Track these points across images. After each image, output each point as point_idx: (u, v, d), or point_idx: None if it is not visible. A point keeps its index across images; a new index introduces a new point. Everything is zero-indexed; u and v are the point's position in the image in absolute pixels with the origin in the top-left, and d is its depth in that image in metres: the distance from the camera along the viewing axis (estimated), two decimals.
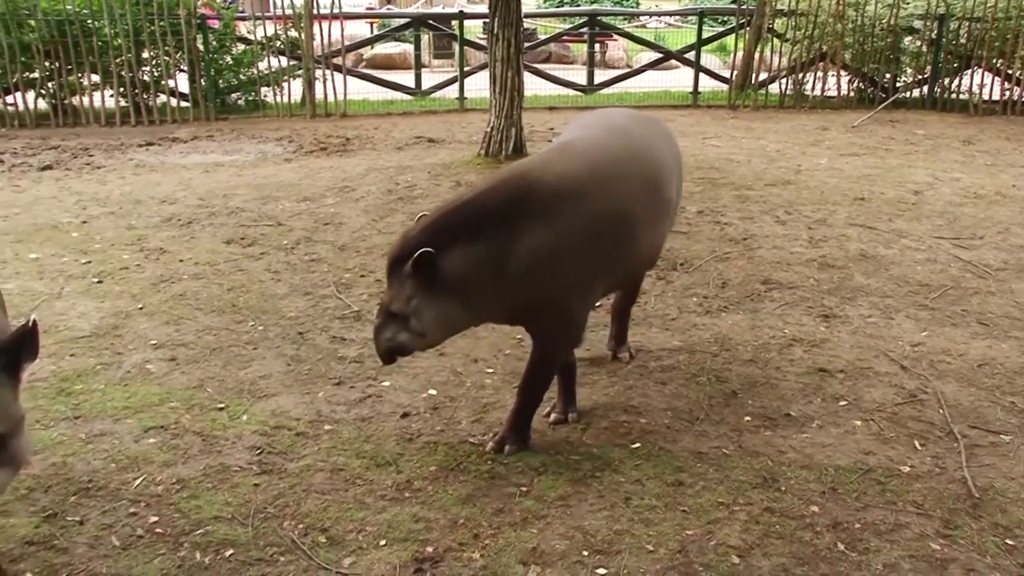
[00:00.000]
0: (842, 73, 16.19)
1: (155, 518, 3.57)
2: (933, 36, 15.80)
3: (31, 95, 13.84)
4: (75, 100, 14.13)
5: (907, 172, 10.26)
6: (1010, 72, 15.25)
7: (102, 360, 5.07)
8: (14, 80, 13.57)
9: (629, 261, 4.37)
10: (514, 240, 3.77)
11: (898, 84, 16.43)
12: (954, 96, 15.81)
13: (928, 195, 9.11)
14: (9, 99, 13.81)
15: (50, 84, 13.92)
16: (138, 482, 3.82)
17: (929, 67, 15.99)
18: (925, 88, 16.14)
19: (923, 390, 4.80)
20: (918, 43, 16.26)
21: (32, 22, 13.59)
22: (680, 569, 3.29)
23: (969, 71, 15.69)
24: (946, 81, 15.86)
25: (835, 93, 16.10)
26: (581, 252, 3.95)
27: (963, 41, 15.75)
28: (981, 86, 15.30)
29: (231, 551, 3.37)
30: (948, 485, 3.88)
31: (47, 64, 13.72)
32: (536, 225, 3.80)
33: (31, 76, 13.83)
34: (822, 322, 5.75)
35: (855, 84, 16.46)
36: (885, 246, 7.31)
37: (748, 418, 4.48)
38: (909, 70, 16.51)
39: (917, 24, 16.14)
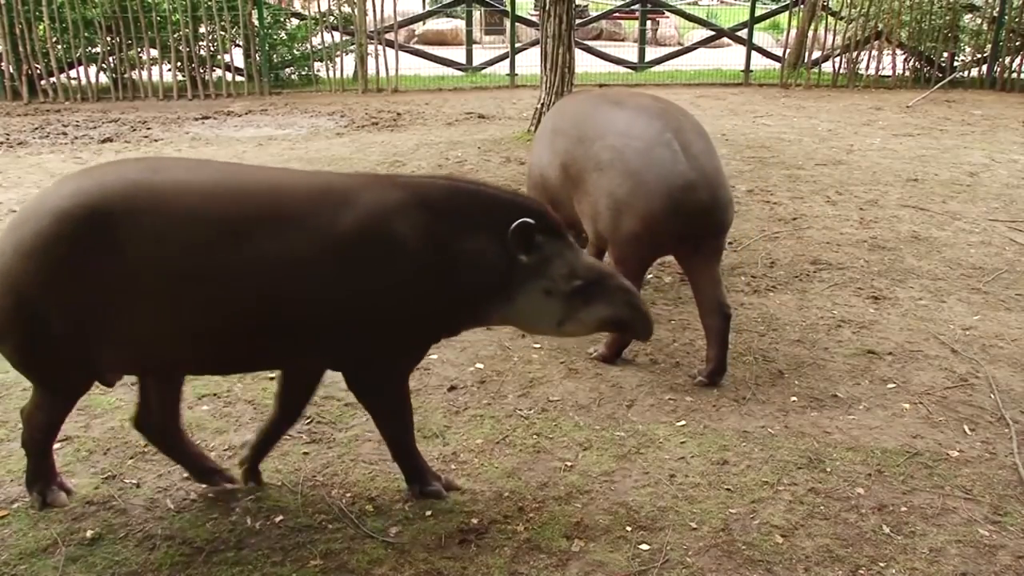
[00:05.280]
0: (898, 52, 15.90)
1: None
2: (995, 14, 15.45)
3: (93, 70, 14.11)
4: (134, 74, 14.40)
5: (962, 153, 10.08)
6: None
7: None
8: (77, 55, 13.85)
9: None
10: None
11: (956, 63, 16.08)
12: (1015, 76, 15.45)
13: (984, 177, 8.95)
14: (72, 73, 14.09)
15: (111, 59, 14.18)
16: None
17: (989, 46, 15.63)
18: (984, 68, 15.79)
19: (974, 374, 4.75)
20: (978, 21, 15.90)
21: None
22: (723, 547, 3.31)
23: None
24: (1007, 60, 15.50)
25: (890, 72, 15.83)
26: None
27: None
28: None
29: (281, 517, 3.45)
30: (998, 471, 3.85)
31: (108, 39, 13.98)
32: None
33: (93, 51, 14.09)
34: (871, 303, 5.70)
35: (911, 63, 16.13)
36: (938, 228, 7.21)
37: (794, 398, 4.47)
38: (968, 49, 16.15)
39: (978, 1, 15.78)
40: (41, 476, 3.44)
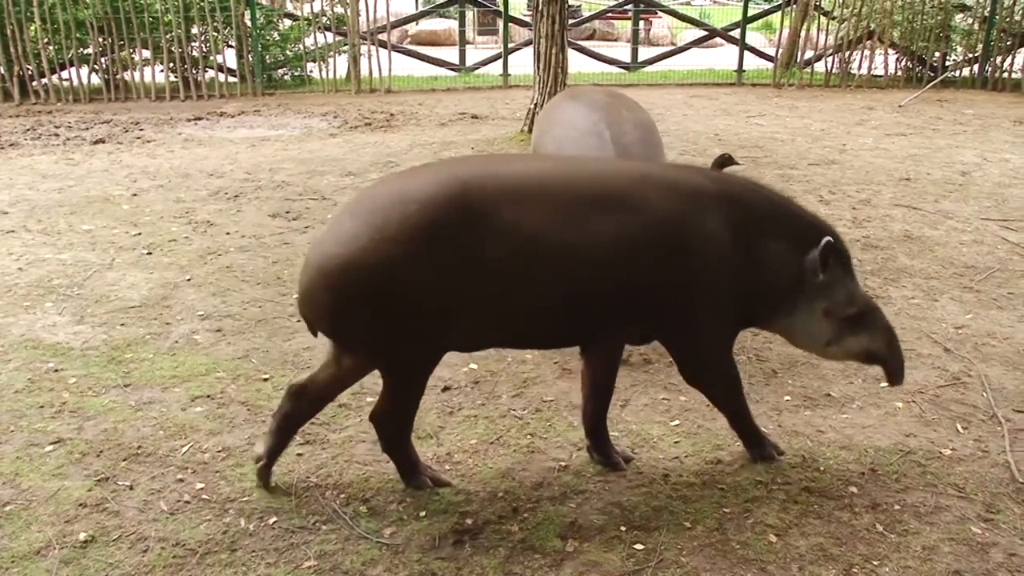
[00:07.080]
0: (890, 51, 15.94)
1: (201, 485, 3.65)
2: (986, 14, 15.50)
3: (85, 71, 14.06)
4: (127, 75, 14.35)
5: (955, 152, 10.11)
6: None
7: (151, 330, 5.18)
8: (69, 56, 13.78)
9: None
10: None
11: (947, 63, 16.13)
12: (1006, 75, 15.50)
13: (976, 176, 8.98)
14: (64, 75, 14.04)
15: (103, 60, 14.12)
16: (185, 449, 3.92)
17: (980, 45, 15.68)
18: (975, 67, 15.85)
19: (967, 373, 4.76)
20: (970, 21, 15.95)
21: None
22: (717, 546, 3.31)
23: (1022, 49, 15.36)
24: (998, 60, 15.55)
25: (882, 72, 15.87)
26: None
27: (1017, 19, 15.44)
28: None
29: (275, 519, 3.44)
30: (991, 469, 3.85)
31: (100, 40, 13.92)
32: None
33: (85, 52, 14.03)
34: None
35: (903, 63, 16.18)
36: (930, 227, 7.23)
37: (788, 398, 4.48)
38: (959, 48, 16.21)
39: (969, 1, 15.83)
40: (414, 467, 3.64)
